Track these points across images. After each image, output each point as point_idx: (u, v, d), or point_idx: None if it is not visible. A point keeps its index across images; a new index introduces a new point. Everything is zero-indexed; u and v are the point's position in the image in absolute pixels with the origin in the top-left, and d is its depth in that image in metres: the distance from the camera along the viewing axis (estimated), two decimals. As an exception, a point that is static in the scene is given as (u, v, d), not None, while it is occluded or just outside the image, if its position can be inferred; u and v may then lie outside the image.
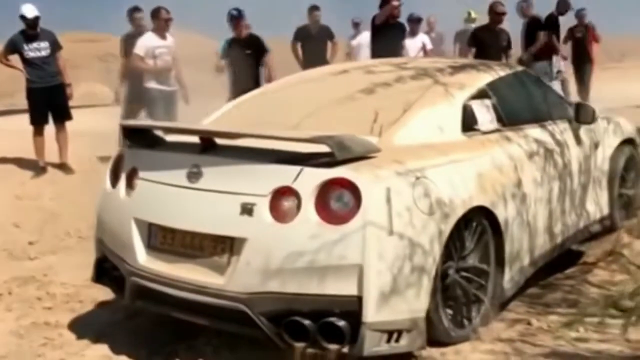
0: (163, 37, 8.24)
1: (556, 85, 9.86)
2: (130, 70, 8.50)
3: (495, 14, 8.71)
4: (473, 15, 10.93)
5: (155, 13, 8.20)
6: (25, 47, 7.82)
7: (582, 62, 11.34)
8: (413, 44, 10.09)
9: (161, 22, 8.17)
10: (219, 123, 4.25)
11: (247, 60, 8.32)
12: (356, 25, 11.07)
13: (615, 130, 5.40)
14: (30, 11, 7.78)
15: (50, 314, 4.50)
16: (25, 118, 8.17)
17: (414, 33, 10.18)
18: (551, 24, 10.28)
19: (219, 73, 9.13)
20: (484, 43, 8.68)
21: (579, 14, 11.41)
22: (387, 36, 8.31)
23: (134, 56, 8.21)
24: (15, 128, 8.96)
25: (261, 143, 3.39)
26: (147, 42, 8.14)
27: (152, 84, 8.17)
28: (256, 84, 7.88)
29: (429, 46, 10.30)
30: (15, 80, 8.08)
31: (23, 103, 8.57)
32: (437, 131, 3.77)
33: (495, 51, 8.36)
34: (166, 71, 8.25)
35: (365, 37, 10.03)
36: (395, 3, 8.23)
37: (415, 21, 10.23)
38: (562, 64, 10.62)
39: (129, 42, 8.62)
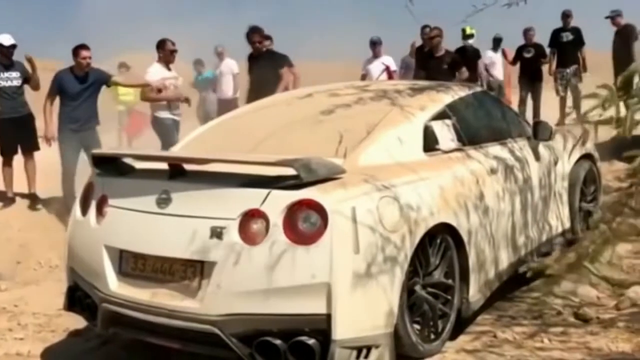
0: (169, 68, 8.26)
1: None
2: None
3: (424, 39, 9.30)
4: (468, 31, 10.90)
5: (162, 44, 8.23)
6: None
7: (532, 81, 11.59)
8: (375, 67, 10.09)
9: (167, 53, 8.22)
10: (187, 149, 4.32)
11: None
12: (220, 55, 11.67)
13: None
14: (7, 39, 7.81)
15: (22, 344, 4.50)
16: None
17: (375, 56, 10.17)
18: None
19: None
20: (427, 68, 9.03)
21: (527, 34, 11.65)
22: (259, 66, 8.32)
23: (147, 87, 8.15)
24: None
25: (229, 168, 3.47)
26: (158, 73, 8.15)
27: (165, 114, 8.15)
28: None
29: (393, 67, 10.23)
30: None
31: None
32: (399, 151, 3.87)
33: (439, 74, 8.47)
34: (176, 100, 8.24)
35: (225, 64, 11.04)
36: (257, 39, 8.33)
37: (375, 44, 10.20)
38: None
39: None
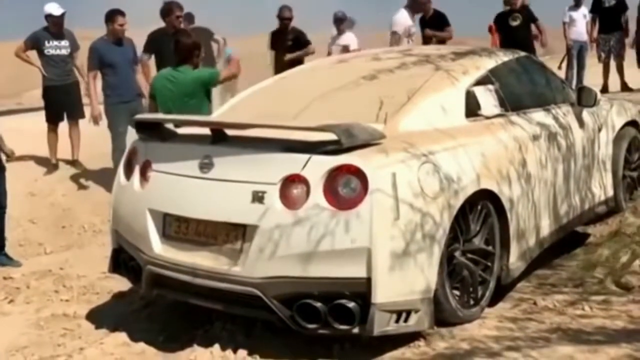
0: (413, 17, 8.25)
1: None
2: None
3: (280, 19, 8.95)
4: None
5: None
6: (47, 43, 7.80)
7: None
8: (336, 48, 9.31)
9: (416, 2, 8.23)
10: (228, 115, 4.35)
11: None
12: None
13: (619, 112, 5.46)
14: (57, 9, 7.79)
15: (68, 305, 4.62)
16: (34, 117, 8.23)
17: (339, 32, 9.49)
18: None
19: None
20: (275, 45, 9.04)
21: None
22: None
23: (394, 34, 8.12)
24: (24, 127, 9.06)
25: (270, 133, 3.49)
26: (405, 20, 8.07)
27: None
28: None
29: (354, 47, 9.08)
30: (17, 81, 8.00)
31: (29, 103, 8.50)
32: (441, 117, 3.84)
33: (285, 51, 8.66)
34: None
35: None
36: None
37: (338, 20, 9.46)
38: None
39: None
